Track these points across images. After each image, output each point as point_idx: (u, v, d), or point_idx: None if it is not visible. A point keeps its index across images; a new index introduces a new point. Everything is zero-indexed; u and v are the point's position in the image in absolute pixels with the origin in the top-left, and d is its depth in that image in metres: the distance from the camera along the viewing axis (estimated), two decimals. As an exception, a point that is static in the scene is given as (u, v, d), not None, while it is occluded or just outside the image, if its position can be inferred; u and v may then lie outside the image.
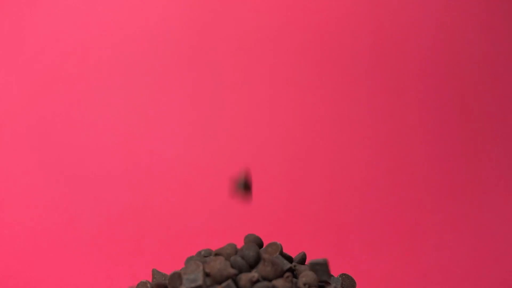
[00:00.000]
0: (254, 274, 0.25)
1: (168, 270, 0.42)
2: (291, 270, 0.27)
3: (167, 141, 0.52)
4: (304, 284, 0.26)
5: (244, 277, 0.25)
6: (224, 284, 0.25)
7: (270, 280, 0.26)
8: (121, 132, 0.52)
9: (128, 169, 0.51)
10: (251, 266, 0.27)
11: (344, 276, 0.29)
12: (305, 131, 0.53)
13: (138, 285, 0.28)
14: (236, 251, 0.28)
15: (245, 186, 0.29)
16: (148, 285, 0.27)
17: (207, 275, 0.25)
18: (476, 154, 0.53)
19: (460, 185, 0.52)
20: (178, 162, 0.52)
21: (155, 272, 0.29)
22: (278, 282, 0.25)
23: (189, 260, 0.28)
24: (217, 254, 0.28)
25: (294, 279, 0.26)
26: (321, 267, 0.28)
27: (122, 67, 0.53)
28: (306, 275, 0.26)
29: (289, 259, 0.29)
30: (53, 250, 0.46)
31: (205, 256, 0.28)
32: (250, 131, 0.53)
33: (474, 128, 0.54)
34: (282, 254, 0.28)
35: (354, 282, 0.29)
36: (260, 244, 0.29)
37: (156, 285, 0.26)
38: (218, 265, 0.26)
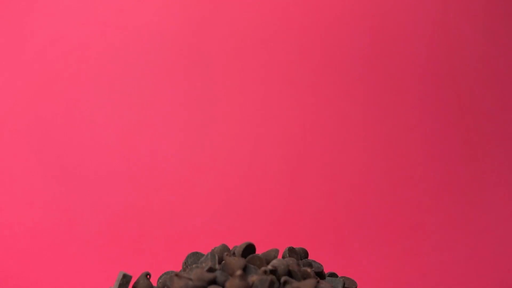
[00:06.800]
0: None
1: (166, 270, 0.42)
2: None
3: (167, 141, 0.52)
4: None
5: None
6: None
7: None
8: (121, 132, 0.52)
9: (128, 169, 0.51)
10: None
11: (345, 278, 0.29)
12: (304, 131, 0.53)
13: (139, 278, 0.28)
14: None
15: None
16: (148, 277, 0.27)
17: None
18: (476, 154, 0.53)
19: (459, 185, 0.52)
20: (178, 162, 0.52)
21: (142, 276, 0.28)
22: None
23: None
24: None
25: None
26: None
27: (122, 68, 0.53)
28: None
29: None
30: (53, 250, 0.46)
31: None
32: (251, 131, 0.53)
33: (474, 128, 0.54)
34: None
35: (355, 283, 0.29)
36: None
37: None
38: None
